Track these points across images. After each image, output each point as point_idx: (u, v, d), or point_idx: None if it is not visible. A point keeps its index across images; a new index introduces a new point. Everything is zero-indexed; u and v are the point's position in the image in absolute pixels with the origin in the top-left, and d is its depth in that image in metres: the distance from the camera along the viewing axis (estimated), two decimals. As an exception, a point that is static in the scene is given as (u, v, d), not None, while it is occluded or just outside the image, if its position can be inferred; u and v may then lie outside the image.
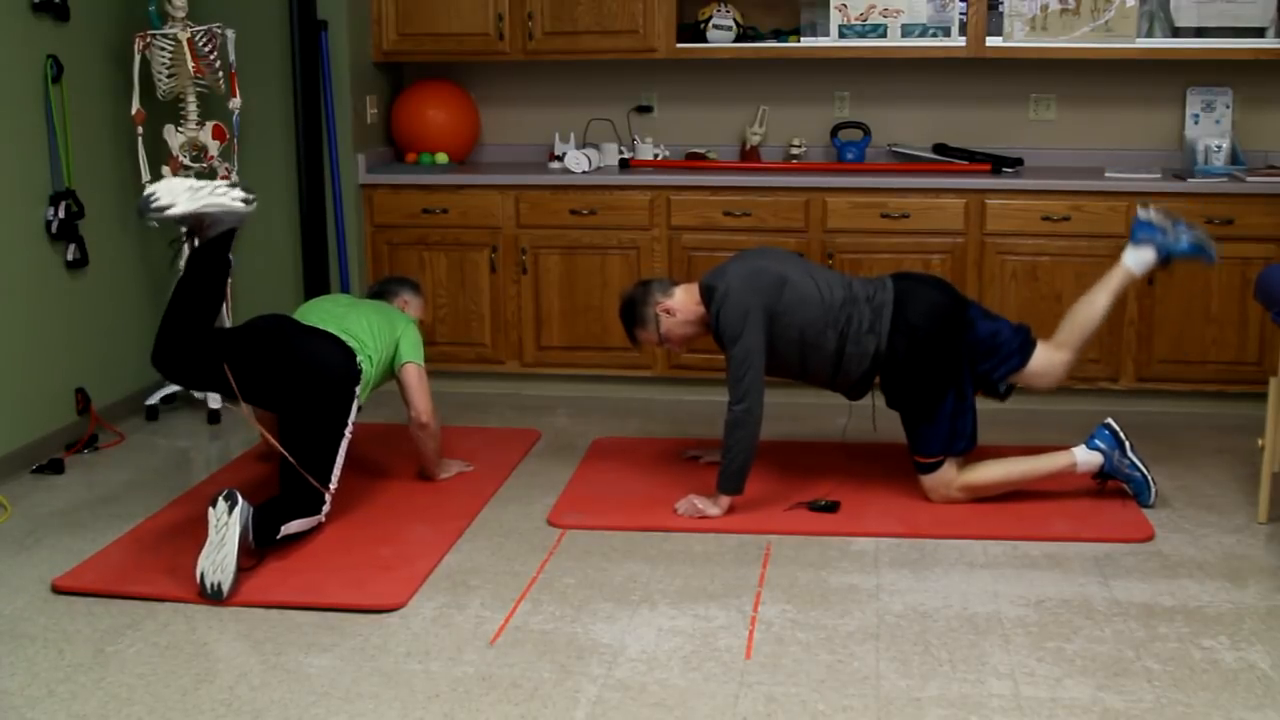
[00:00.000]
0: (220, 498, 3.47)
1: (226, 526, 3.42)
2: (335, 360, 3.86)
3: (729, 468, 3.95)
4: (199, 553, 3.43)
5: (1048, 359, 4.07)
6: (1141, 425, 4.64)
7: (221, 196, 3.51)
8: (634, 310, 4.18)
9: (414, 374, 4.16)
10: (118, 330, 5.05)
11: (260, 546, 3.57)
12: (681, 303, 4.13)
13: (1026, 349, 4.04)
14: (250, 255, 5.35)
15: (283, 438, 3.82)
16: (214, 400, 5.08)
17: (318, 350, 3.86)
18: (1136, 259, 4.11)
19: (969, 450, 4.03)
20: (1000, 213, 5.01)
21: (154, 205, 3.44)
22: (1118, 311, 4.96)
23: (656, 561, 3.69)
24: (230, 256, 3.61)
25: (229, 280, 4.99)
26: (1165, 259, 4.10)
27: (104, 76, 4.93)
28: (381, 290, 4.55)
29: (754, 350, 3.90)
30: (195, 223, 3.53)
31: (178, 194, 3.45)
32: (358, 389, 3.90)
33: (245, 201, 3.54)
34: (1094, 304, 4.12)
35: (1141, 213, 4.14)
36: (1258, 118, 5.27)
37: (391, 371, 4.16)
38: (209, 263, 3.59)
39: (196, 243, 3.59)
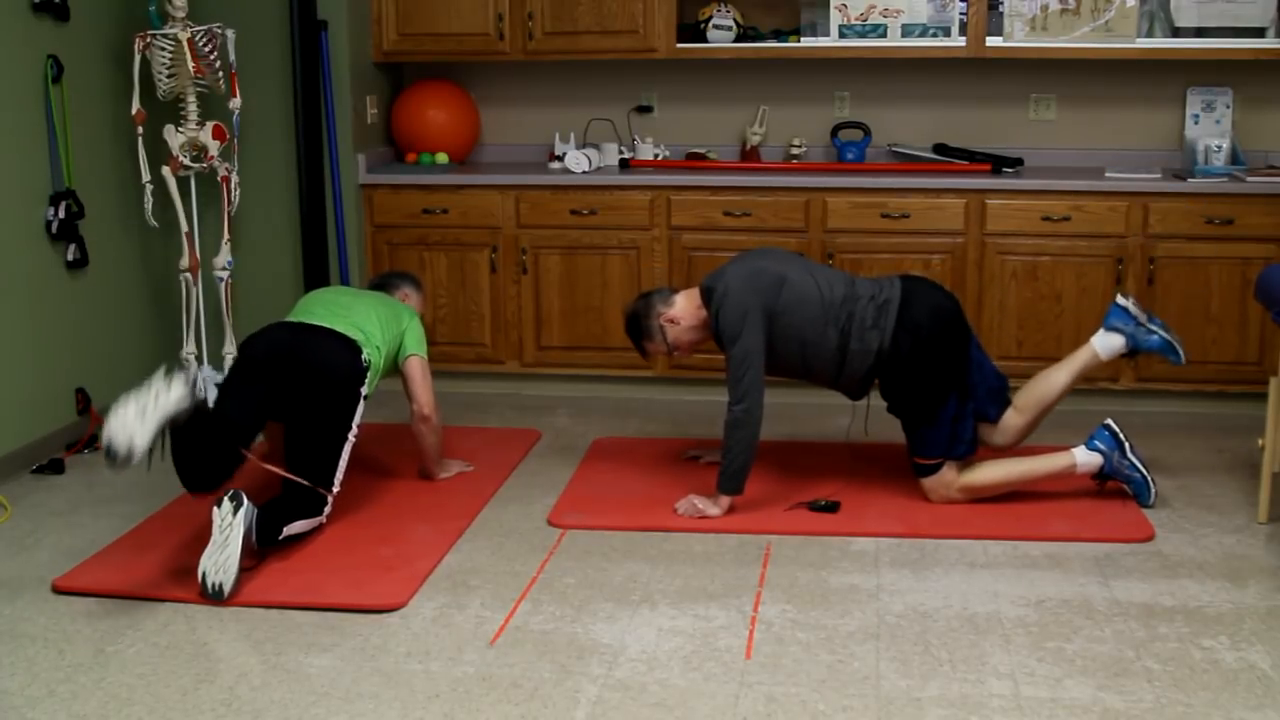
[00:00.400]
0: (226, 498, 3.46)
1: (231, 527, 3.42)
2: (340, 360, 3.86)
3: (729, 468, 3.95)
4: (200, 553, 3.43)
5: (1006, 419, 4.14)
6: (1141, 425, 4.64)
7: (166, 401, 3.31)
8: (639, 325, 4.19)
9: (417, 367, 4.16)
10: (118, 330, 5.05)
11: (262, 546, 3.57)
12: (683, 310, 4.13)
13: (1003, 408, 4.12)
14: (251, 255, 5.35)
15: (288, 439, 3.83)
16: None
17: (321, 351, 3.86)
18: (1105, 344, 4.19)
19: (969, 455, 4.03)
20: (1000, 213, 5.01)
21: (119, 458, 3.23)
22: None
23: (656, 561, 3.69)
24: (208, 409, 3.50)
25: (228, 277, 5.03)
26: (1132, 350, 4.19)
27: (104, 76, 4.93)
28: (383, 283, 4.55)
29: (753, 350, 3.90)
30: (164, 432, 3.34)
31: (131, 429, 3.23)
32: (363, 388, 3.90)
33: (190, 390, 3.38)
34: (1053, 380, 4.19)
35: (1120, 300, 4.22)
36: (1258, 118, 5.27)
37: (396, 364, 4.16)
38: (187, 432, 3.44)
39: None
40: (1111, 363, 4.93)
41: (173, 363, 3.40)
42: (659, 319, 4.14)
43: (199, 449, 3.50)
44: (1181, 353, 4.16)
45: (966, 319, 4.09)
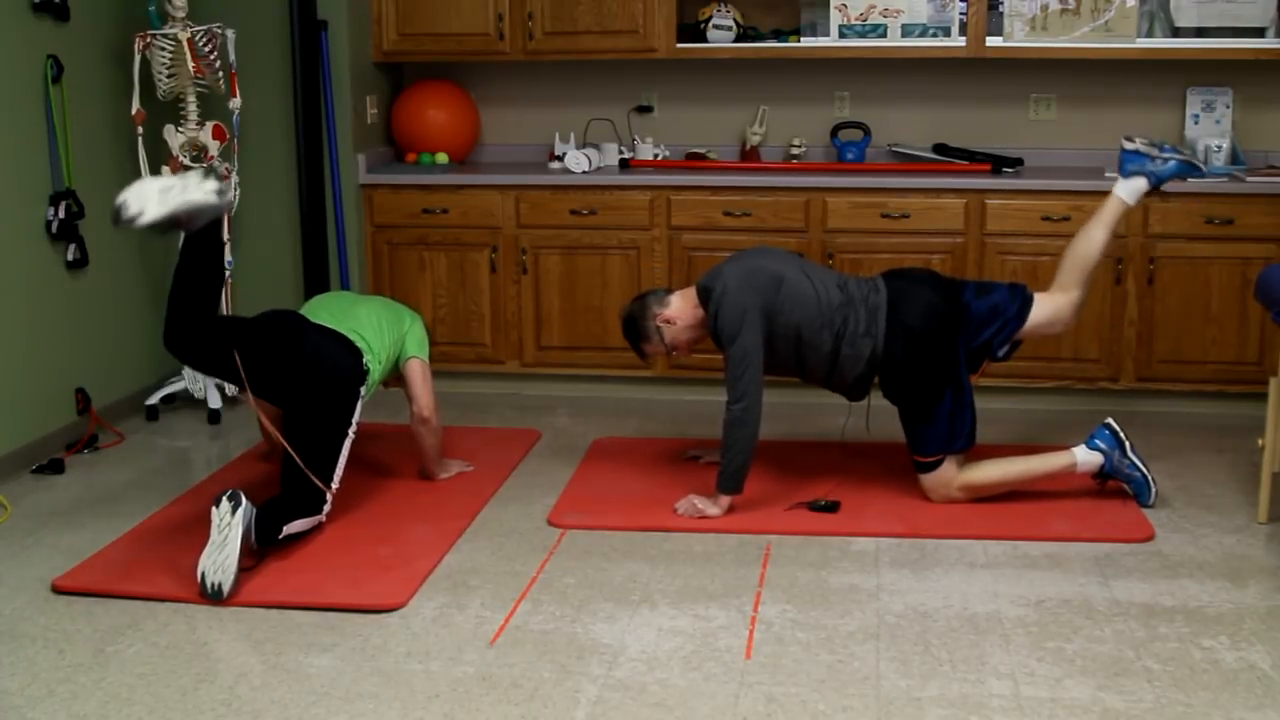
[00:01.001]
0: (224, 498, 3.46)
1: (229, 527, 3.42)
2: (343, 360, 3.87)
3: (728, 467, 3.95)
4: (200, 553, 3.43)
5: (1053, 305, 4.07)
6: (1141, 425, 4.64)
7: (193, 193, 3.41)
8: (635, 326, 4.19)
9: (418, 369, 4.16)
10: (118, 330, 5.05)
11: (262, 546, 3.57)
12: (680, 310, 4.13)
13: (1024, 310, 4.03)
14: (251, 255, 5.36)
15: (287, 435, 3.83)
16: (214, 400, 5.08)
17: (327, 349, 3.87)
18: (1129, 189, 4.14)
19: (968, 448, 4.03)
20: (1000, 213, 5.01)
21: (125, 216, 3.35)
22: (1118, 311, 4.98)
23: (656, 561, 3.69)
24: (223, 240, 3.56)
25: (227, 277, 5.03)
26: (1156, 184, 4.14)
27: (104, 76, 4.93)
28: None
29: (751, 349, 3.90)
30: (172, 223, 3.45)
31: (147, 199, 3.35)
32: (363, 388, 3.90)
33: (219, 193, 3.45)
34: (1091, 239, 4.12)
35: (1127, 143, 4.17)
36: (1258, 118, 5.27)
37: (397, 367, 4.17)
38: (200, 250, 3.55)
39: (182, 236, 3.55)
40: (1112, 359, 4.94)
41: (213, 168, 3.37)
42: (655, 320, 4.14)
43: (203, 271, 3.53)
44: (1201, 166, 4.14)
45: (957, 296, 4.03)
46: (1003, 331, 4.00)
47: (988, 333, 3.99)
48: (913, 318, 3.95)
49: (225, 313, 5.08)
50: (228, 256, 5.07)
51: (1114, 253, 4.94)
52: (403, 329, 4.17)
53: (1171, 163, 4.11)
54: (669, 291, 4.23)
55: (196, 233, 3.53)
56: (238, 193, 5.07)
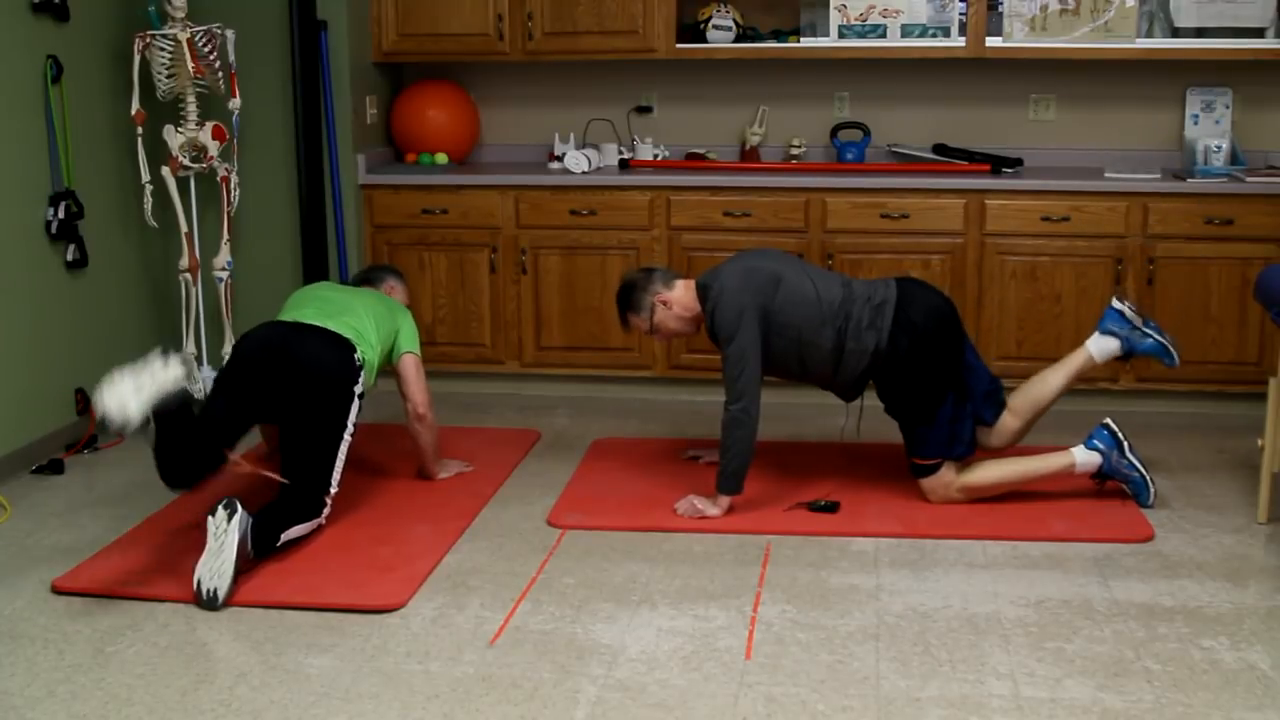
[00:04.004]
0: (220, 506, 3.46)
1: (225, 534, 3.41)
2: (331, 360, 3.85)
3: (727, 468, 3.95)
4: (198, 557, 3.43)
5: (1002, 422, 4.17)
6: (1141, 425, 4.64)
7: (161, 378, 3.37)
8: (631, 294, 4.18)
9: (411, 365, 4.16)
10: (118, 330, 5.05)
11: (260, 556, 3.56)
12: (679, 297, 4.13)
13: (998, 410, 4.14)
14: (251, 256, 5.35)
15: (283, 441, 3.82)
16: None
17: (313, 351, 3.85)
18: (1100, 347, 4.22)
19: (967, 456, 4.04)
20: (1000, 213, 5.01)
21: (115, 426, 3.33)
22: (1117, 312, 4.98)
23: (656, 561, 3.69)
24: (192, 408, 3.52)
25: (227, 277, 5.03)
26: (1127, 353, 4.23)
27: (104, 76, 4.93)
28: (368, 278, 4.54)
29: (749, 349, 3.90)
30: (151, 417, 3.38)
31: (126, 403, 3.30)
32: (357, 386, 3.89)
33: (183, 362, 3.46)
34: (1048, 382, 4.23)
35: (1116, 303, 4.25)
36: (1258, 118, 5.28)
37: (390, 361, 4.16)
38: (173, 424, 3.45)
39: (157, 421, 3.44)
40: (1107, 364, 4.94)
41: (168, 344, 3.38)
42: (654, 296, 4.13)
43: (182, 442, 3.49)
44: (1175, 355, 4.20)
45: (961, 321, 4.09)
46: (976, 411, 4.06)
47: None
48: (919, 315, 3.96)
49: (224, 315, 5.08)
50: (227, 257, 5.07)
51: (1113, 253, 4.95)
52: (395, 323, 4.17)
53: (1150, 341, 4.19)
54: (677, 276, 4.23)
55: (166, 422, 3.43)
56: (237, 193, 5.07)
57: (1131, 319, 4.19)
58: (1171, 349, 4.19)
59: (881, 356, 3.97)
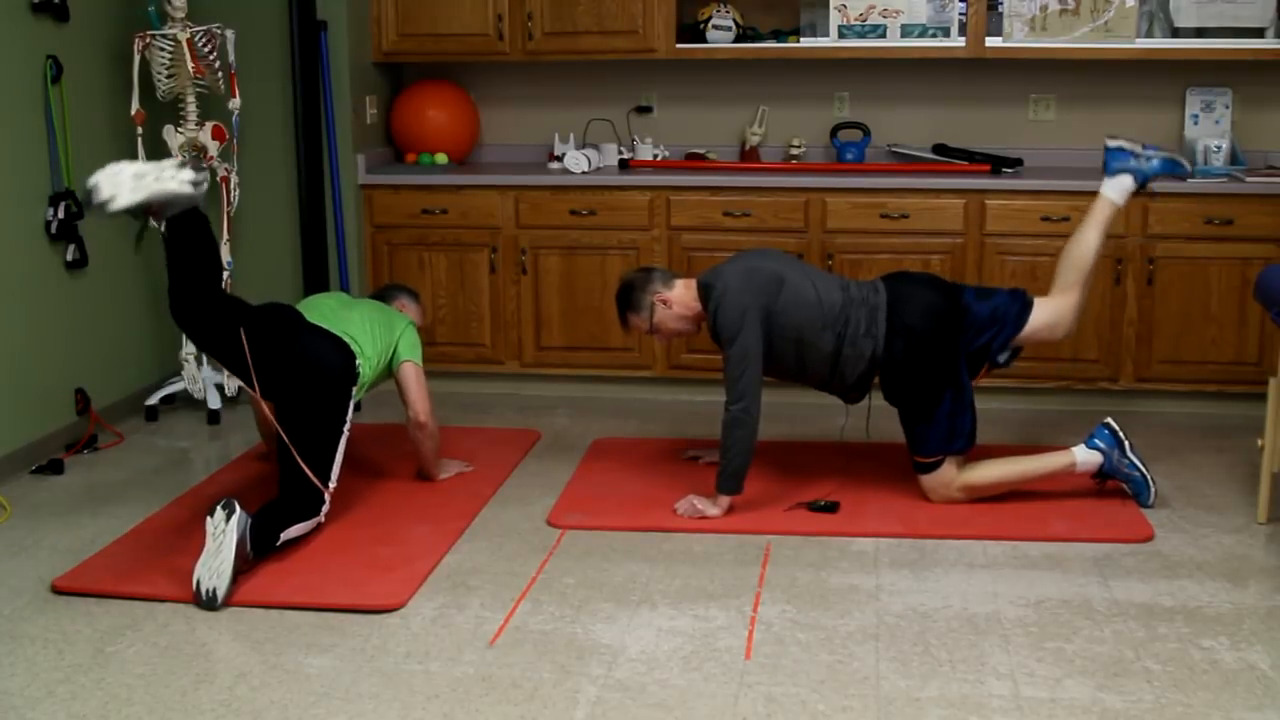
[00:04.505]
0: (218, 506, 3.46)
1: (223, 535, 3.41)
2: (334, 358, 3.87)
3: (728, 468, 3.95)
4: (198, 557, 3.43)
5: (1053, 309, 4.06)
6: (1141, 425, 4.64)
7: (168, 182, 3.37)
8: (631, 294, 4.18)
9: (412, 373, 4.16)
10: (118, 330, 5.05)
11: (259, 556, 3.56)
12: (679, 297, 4.13)
13: (1024, 314, 4.03)
14: (250, 255, 5.36)
15: (281, 437, 3.82)
16: (214, 400, 5.08)
17: (320, 347, 3.87)
18: (1115, 188, 4.15)
19: (968, 449, 4.03)
20: (1000, 213, 5.01)
21: (96, 199, 3.32)
22: (1117, 311, 4.98)
23: (656, 561, 3.69)
24: (206, 221, 3.51)
25: (227, 277, 5.03)
26: (1143, 182, 4.15)
27: (104, 76, 4.93)
28: (380, 295, 4.55)
29: (751, 349, 3.90)
30: (145, 210, 3.41)
31: (121, 184, 3.30)
32: (354, 387, 3.90)
33: (194, 184, 3.43)
34: (1084, 241, 4.13)
35: (1110, 141, 4.18)
36: (1257, 118, 5.28)
37: (389, 371, 4.16)
38: (184, 231, 3.50)
39: (158, 222, 3.50)
40: (1112, 359, 4.95)
41: (188, 160, 3.37)
42: (653, 296, 4.13)
43: (194, 253, 3.50)
44: (1186, 164, 4.16)
45: (957, 299, 4.03)
46: (1001, 334, 4.00)
47: (987, 335, 3.99)
48: (913, 317, 3.95)
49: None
50: (227, 257, 5.07)
51: (1113, 253, 4.95)
52: (395, 334, 4.17)
53: (1156, 160, 4.13)
54: (676, 276, 4.23)
55: (175, 218, 3.49)
56: (237, 193, 5.08)
57: (1130, 149, 4.14)
58: (1180, 159, 4.14)
59: (879, 362, 3.97)
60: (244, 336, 3.71)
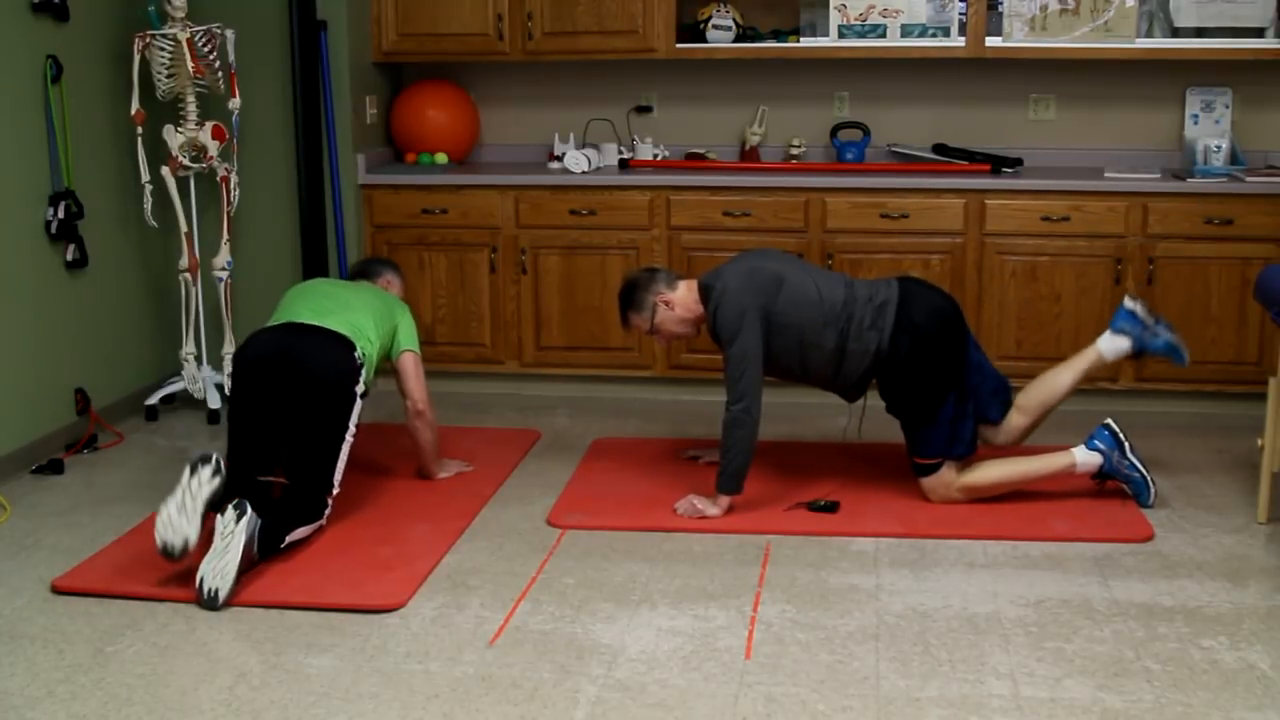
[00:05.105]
0: (230, 505, 3.46)
1: (232, 535, 3.41)
2: (331, 361, 3.84)
3: (728, 468, 3.95)
4: (200, 556, 3.43)
5: (1009, 420, 4.19)
6: (1141, 425, 4.64)
7: (203, 490, 3.49)
8: (634, 294, 4.18)
9: (411, 362, 4.16)
10: (118, 330, 5.05)
11: (264, 557, 3.56)
12: (682, 298, 4.13)
13: (1005, 409, 4.15)
14: (251, 255, 5.35)
15: (285, 444, 3.82)
16: (214, 400, 5.08)
17: (313, 353, 3.84)
18: (1110, 346, 4.24)
19: (968, 456, 4.04)
20: (1000, 213, 5.01)
21: (179, 554, 3.42)
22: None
23: (656, 561, 3.69)
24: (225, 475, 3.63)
25: (227, 278, 5.03)
26: (1138, 352, 4.24)
27: (104, 76, 4.93)
28: (364, 271, 4.51)
29: (751, 349, 3.90)
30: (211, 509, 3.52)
31: (180, 528, 3.41)
32: (358, 386, 3.88)
33: (215, 472, 3.55)
34: (1057, 380, 4.24)
35: (1128, 303, 4.26)
36: (1257, 118, 5.28)
37: (389, 358, 4.16)
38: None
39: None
40: (1113, 362, 4.94)
41: (198, 457, 3.63)
42: (657, 296, 4.13)
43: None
44: (1185, 354, 4.22)
45: (965, 320, 4.09)
46: (980, 411, 4.07)
47: (972, 378, 4.05)
48: (921, 315, 3.96)
49: (224, 315, 5.08)
50: (227, 257, 5.07)
51: (1113, 253, 4.95)
52: (394, 320, 4.17)
53: (1161, 340, 4.20)
54: (679, 277, 4.23)
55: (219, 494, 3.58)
56: (237, 193, 5.08)
57: (1144, 319, 4.21)
58: (1182, 348, 4.21)
59: (883, 357, 3.97)
60: (272, 463, 3.85)
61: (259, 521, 3.50)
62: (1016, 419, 4.18)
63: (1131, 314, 4.22)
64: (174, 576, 3.51)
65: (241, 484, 3.70)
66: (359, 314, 4.01)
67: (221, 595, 3.37)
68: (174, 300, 5.21)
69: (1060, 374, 4.24)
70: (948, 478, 4.02)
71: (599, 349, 5.32)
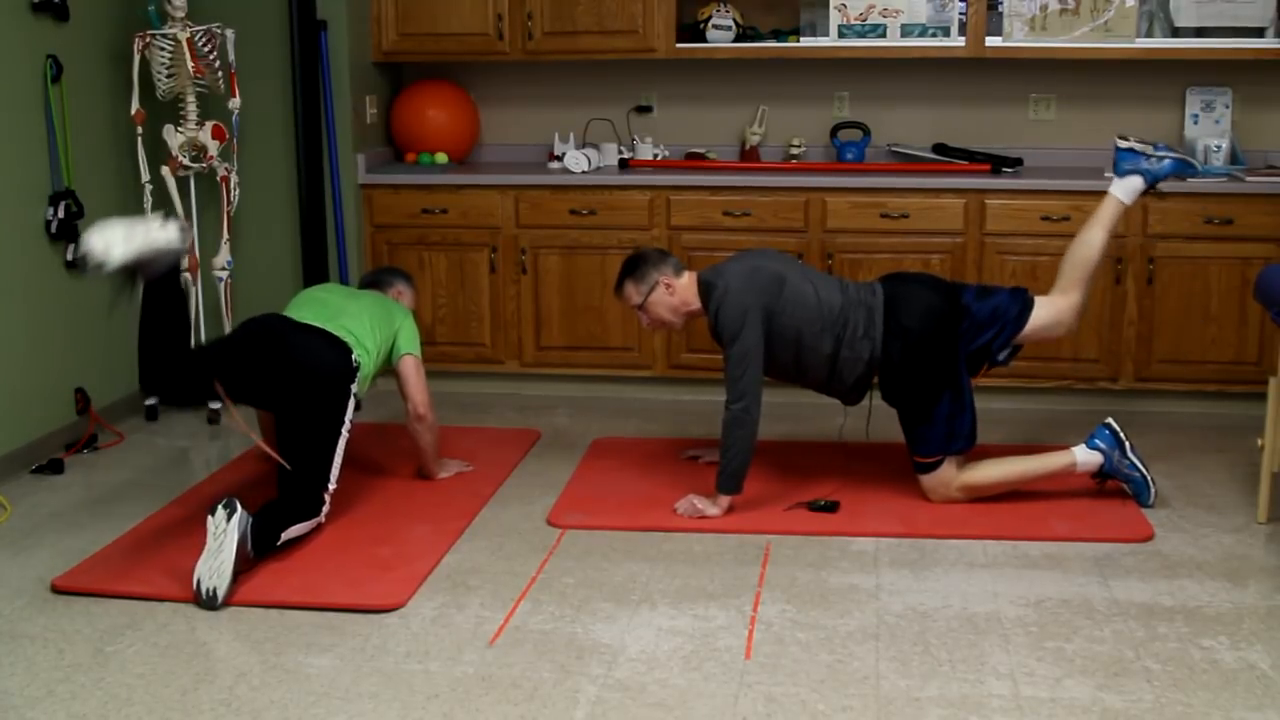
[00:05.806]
0: (220, 506, 3.46)
1: (224, 534, 3.41)
2: (328, 359, 3.85)
3: (727, 467, 3.95)
4: (198, 557, 3.43)
5: (1054, 309, 4.06)
6: (1141, 425, 4.64)
7: (156, 234, 3.40)
8: (640, 265, 4.16)
9: (411, 366, 4.16)
10: (117, 330, 5.05)
11: (260, 555, 3.56)
12: (682, 288, 4.13)
13: (1024, 314, 4.03)
14: (250, 255, 5.36)
15: (280, 438, 3.82)
16: (214, 401, 5.08)
17: (311, 349, 3.85)
18: (1125, 189, 4.13)
19: (967, 449, 4.03)
20: (1000, 213, 5.01)
21: (92, 262, 3.33)
22: (1117, 311, 4.98)
23: (656, 561, 3.69)
24: (182, 282, 3.55)
25: (227, 277, 5.04)
26: (1152, 183, 4.13)
27: (104, 76, 4.93)
28: (376, 280, 4.53)
29: (752, 349, 3.90)
30: (135, 269, 3.42)
31: (112, 241, 3.33)
32: (354, 386, 3.89)
33: (180, 237, 3.46)
34: (1089, 241, 4.11)
35: (1121, 142, 4.16)
36: (1257, 118, 5.28)
37: (389, 363, 4.16)
38: (162, 295, 3.53)
39: (141, 282, 3.51)
40: (1112, 359, 4.94)
41: (170, 212, 3.45)
42: (661, 276, 4.12)
43: (167, 319, 3.54)
44: (1195, 163, 4.14)
45: (956, 299, 4.03)
46: (1002, 334, 4.00)
47: (987, 335, 3.99)
48: (910, 319, 3.96)
49: (224, 315, 5.09)
50: (227, 257, 5.07)
51: (1113, 253, 4.94)
52: (394, 325, 4.17)
53: (1167, 161, 4.10)
54: (686, 269, 4.22)
55: (156, 279, 3.50)
56: (237, 192, 5.08)
57: (1141, 150, 4.12)
58: (1191, 160, 4.11)
59: (877, 364, 3.97)
60: (220, 387, 3.74)
61: (250, 519, 3.50)
62: (1064, 301, 4.06)
63: (1129, 151, 4.12)
64: (174, 576, 3.51)
65: (188, 361, 3.69)
66: (357, 321, 4.02)
67: (220, 594, 3.37)
68: (174, 300, 5.20)
69: (1089, 236, 4.11)
70: (948, 475, 4.02)
71: (599, 349, 5.33)
